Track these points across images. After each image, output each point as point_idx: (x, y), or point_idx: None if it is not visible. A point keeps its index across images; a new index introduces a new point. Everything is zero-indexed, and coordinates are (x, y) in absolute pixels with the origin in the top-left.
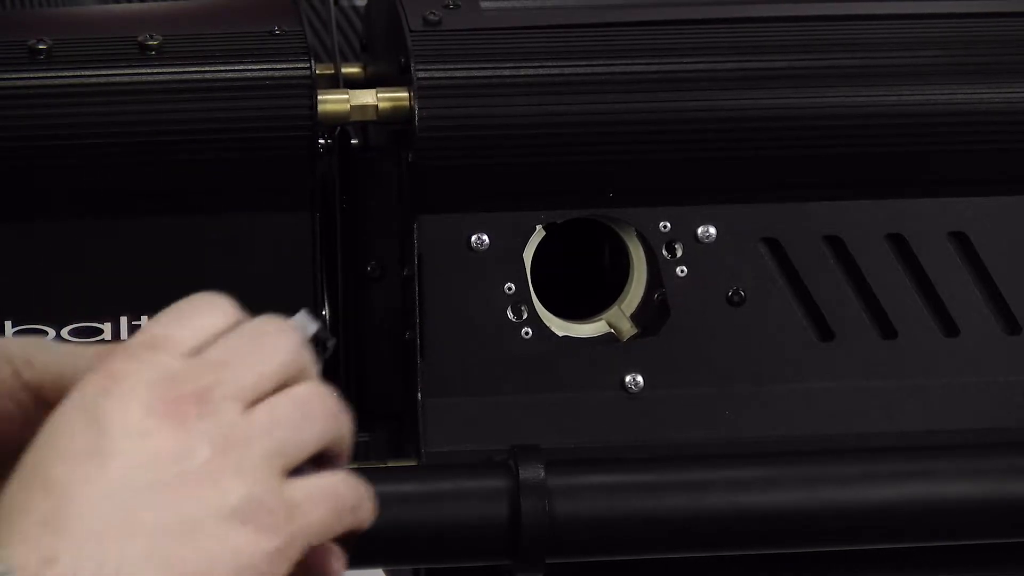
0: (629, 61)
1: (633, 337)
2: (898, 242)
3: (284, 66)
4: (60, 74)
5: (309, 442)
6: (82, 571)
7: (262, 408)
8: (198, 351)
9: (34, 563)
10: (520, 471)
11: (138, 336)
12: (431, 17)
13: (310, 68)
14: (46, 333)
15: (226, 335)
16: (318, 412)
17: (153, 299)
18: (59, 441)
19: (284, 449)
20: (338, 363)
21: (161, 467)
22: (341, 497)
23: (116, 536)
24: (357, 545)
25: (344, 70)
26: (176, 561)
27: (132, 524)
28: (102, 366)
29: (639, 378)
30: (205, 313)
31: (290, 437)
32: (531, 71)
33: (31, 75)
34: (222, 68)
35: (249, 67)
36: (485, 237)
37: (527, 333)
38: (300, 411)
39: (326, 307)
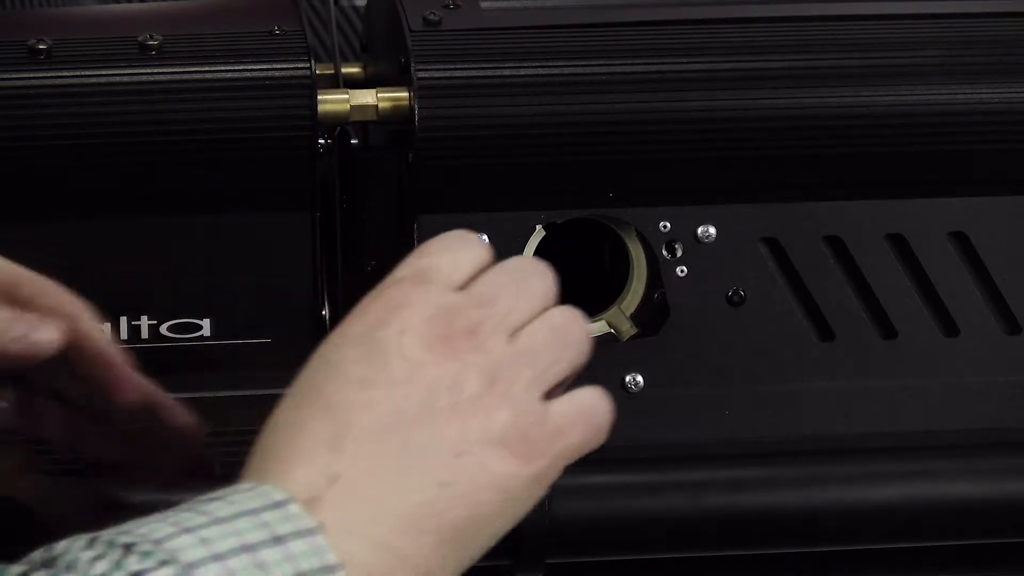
0: (629, 61)
1: (633, 337)
2: (898, 242)
3: (284, 66)
4: (60, 74)
5: (565, 368)
6: (361, 489)
7: (524, 338)
8: (463, 285)
9: (318, 481)
10: None
11: (406, 268)
12: (431, 17)
13: (310, 68)
14: None
15: (488, 271)
16: (572, 338)
17: (153, 299)
18: (339, 368)
19: (544, 376)
20: None
21: (434, 396)
22: (595, 416)
23: (391, 458)
24: None
25: (344, 70)
26: (446, 485)
27: (406, 448)
28: (378, 296)
29: (639, 378)
30: (465, 248)
31: (549, 364)
32: (531, 71)
33: (31, 75)
34: (222, 68)
35: (249, 67)
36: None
37: None
38: (557, 338)
39: (326, 307)
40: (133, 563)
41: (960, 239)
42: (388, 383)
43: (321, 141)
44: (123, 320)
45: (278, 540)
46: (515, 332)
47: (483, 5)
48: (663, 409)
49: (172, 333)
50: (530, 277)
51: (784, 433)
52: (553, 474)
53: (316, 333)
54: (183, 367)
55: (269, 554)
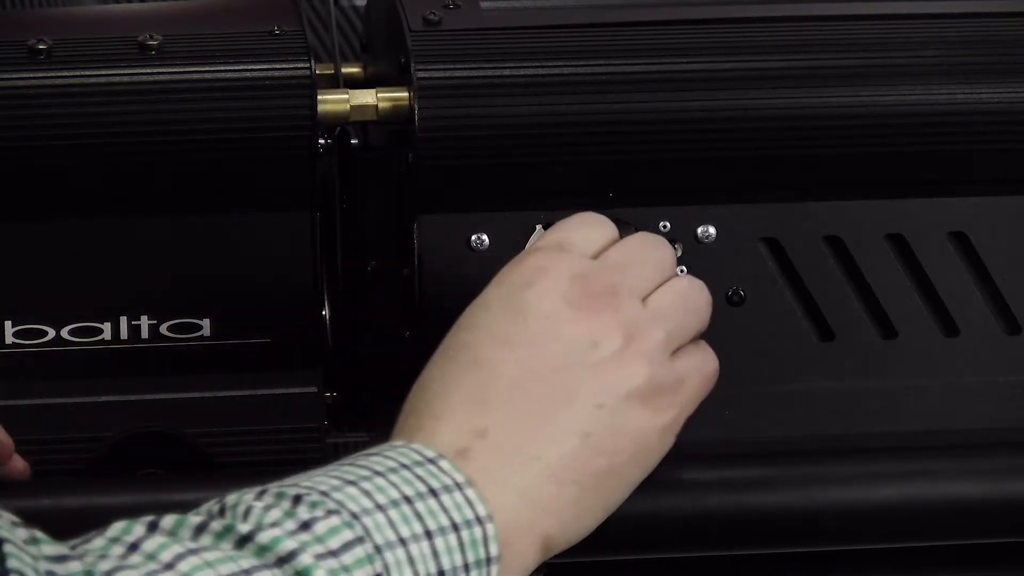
0: (629, 61)
1: None
2: (898, 242)
3: (284, 66)
4: (60, 74)
5: (692, 327)
6: (507, 441)
7: (654, 301)
8: (595, 256)
9: (467, 435)
10: None
11: (543, 241)
12: (431, 17)
13: (310, 68)
14: (46, 333)
15: (617, 243)
16: (696, 304)
17: (153, 299)
18: (486, 326)
19: (673, 335)
20: (338, 362)
21: (575, 351)
22: (710, 369)
23: (536, 411)
24: None
25: (344, 70)
26: (588, 435)
27: (550, 400)
28: (519, 264)
29: None
30: (596, 225)
31: (677, 324)
32: (531, 71)
33: (31, 75)
34: (222, 68)
35: (249, 67)
36: (485, 237)
37: None
38: (684, 302)
39: (326, 307)
40: (303, 512)
41: (960, 239)
42: (531, 340)
43: (321, 141)
44: (123, 320)
45: (433, 493)
46: (645, 297)
47: (483, 5)
48: None
49: (172, 333)
50: (656, 247)
51: (784, 433)
52: (678, 425)
53: (316, 333)
54: (183, 367)
55: (425, 506)
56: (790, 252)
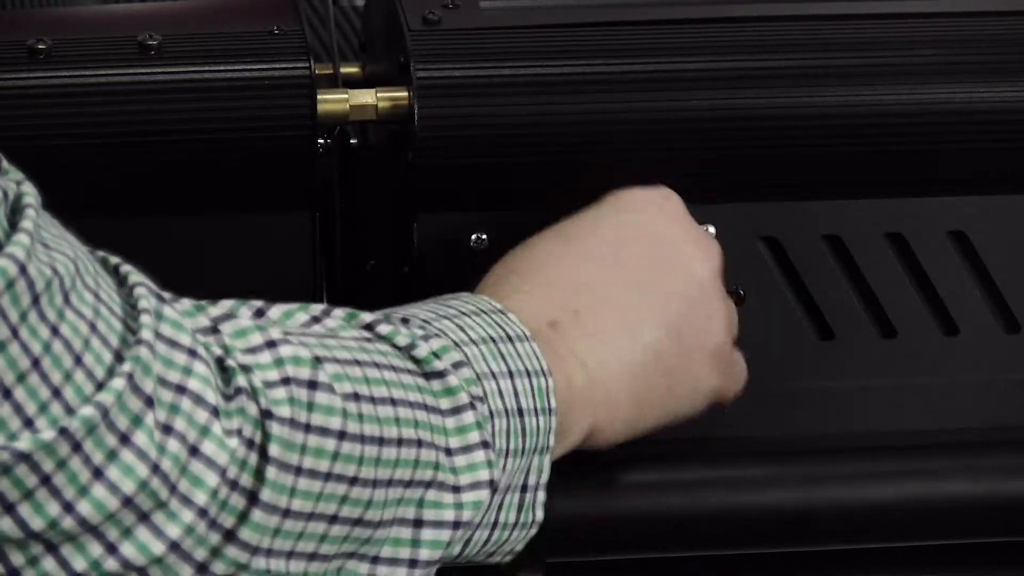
0: (629, 61)
1: None
2: (898, 241)
3: (283, 66)
4: (60, 74)
5: (734, 334)
6: (592, 326)
7: (731, 303)
8: None
9: (558, 310)
10: None
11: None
12: (430, 16)
13: (310, 68)
14: None
15: None
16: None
17: None
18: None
19: (734, 331)
20: None
21: (673, 280)
22: (743, 377)
23: (631, 315)
24: None
25: (343, 70)
26: (661, 355)
27: (646, 310)
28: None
29: None
30: None
31: (736, 326)
32: (531, 71)
33: (31, 75)
34: (222, 68)
35: (249, 67)
36: (485, 237)
37: None
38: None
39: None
40: (416, 328)
41: (960, 238)
42: (644, 251)
43: (321, 141)
44: None
45: (508, 339)
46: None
47: (482, 4)
48: None
49: None
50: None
51: (784, 432)
52: (710, 401)
53: None
54: None
55: (504, 348)
56: (790, 251)
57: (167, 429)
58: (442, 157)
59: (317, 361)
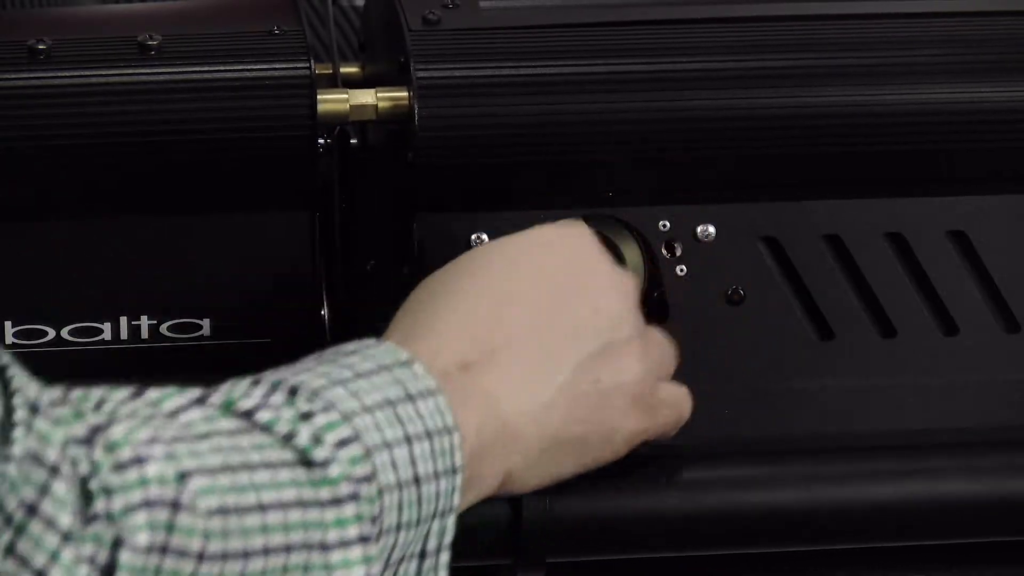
0: (629, 61)
1: None
2: (898, 241)
3: (283, 66)
4: (60, 74)
5: (670, 369)
6: (506, 373)
7: (656, 336)
8: None
9: (474, 352)
10: None
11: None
12: (430, 16)
13: (309, 68)
14: (46, 333)
15: None
16: (672, 353)
17: (153, 299)
18: (512, 262)
19: (662, 367)
20: None
21: (590, 321)
22: (683, 411)
23: (542, 359)
24: None
25: (342, 69)
26: (577, 400)
27: (561, 355)
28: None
29: None
30: None
31: (667, 357)
32: (531, 71)
33: (31, 75)
34: (222, 68)
35: (248, 67)
36: (485, 237)
37: None
38: (668, 343)
39: (326, 307)
40: (302, 403)
41: (960, 238)
42: (556, 290)
43: (321, 141)
44: (123, 320)
45: (410, 398)
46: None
47: (482, 4)
48: None
49: (172, 333)
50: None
51: (784, 432)
52: (639, 440)
53: (316, 333)
54: (183, 367)
55: (403, 410)
56: (789, 251)
57: (10, 550)
58: (442, 157)
59: (182, 477)
